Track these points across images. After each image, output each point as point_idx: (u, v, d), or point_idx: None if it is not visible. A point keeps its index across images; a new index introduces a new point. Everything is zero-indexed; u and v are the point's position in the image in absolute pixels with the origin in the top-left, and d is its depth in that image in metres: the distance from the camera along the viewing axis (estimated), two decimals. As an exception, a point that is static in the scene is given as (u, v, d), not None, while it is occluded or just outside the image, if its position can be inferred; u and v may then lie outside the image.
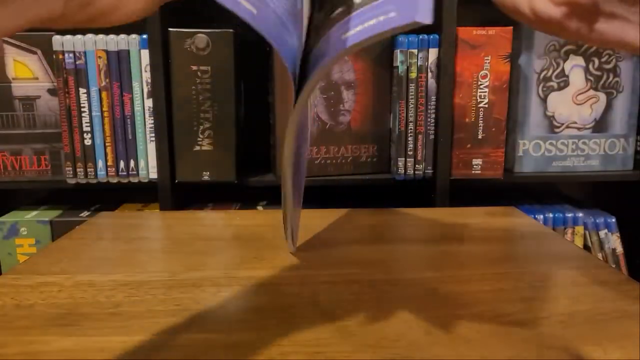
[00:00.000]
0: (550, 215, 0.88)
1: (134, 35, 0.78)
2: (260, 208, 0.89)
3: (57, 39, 0.77)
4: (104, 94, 0.79)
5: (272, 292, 0.36)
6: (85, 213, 0.85)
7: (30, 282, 0.39)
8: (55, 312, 0.33)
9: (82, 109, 0.79)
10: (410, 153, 0.85)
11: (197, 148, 0.80)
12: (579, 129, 0.88)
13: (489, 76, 0.85)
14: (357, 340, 0.29)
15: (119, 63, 0.78)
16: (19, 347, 0.29)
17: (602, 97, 0.87)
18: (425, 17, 0.24)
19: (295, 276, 0.40)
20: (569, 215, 0.89)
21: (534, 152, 0.87)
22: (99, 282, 0.38)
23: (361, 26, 0.28)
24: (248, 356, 0.27)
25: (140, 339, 0.30)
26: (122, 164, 0.81)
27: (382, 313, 0.33)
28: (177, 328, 0.31)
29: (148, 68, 0.78)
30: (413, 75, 0.88)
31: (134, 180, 0.82)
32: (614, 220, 0.93)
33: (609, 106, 0.87)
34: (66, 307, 0.34)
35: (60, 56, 0.77)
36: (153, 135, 0.80)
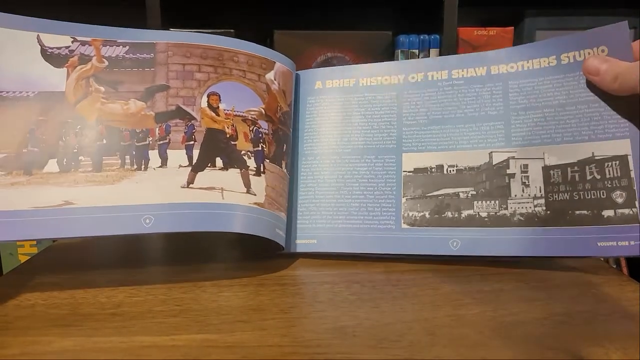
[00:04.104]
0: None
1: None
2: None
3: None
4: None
5: (272, 292, 0.36)
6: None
7: (31, 283, 0.39)
8: (56, 312, 0.33)
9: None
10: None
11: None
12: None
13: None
14: (358, 340, 0.29)
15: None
16: (19, 348, 0.29)
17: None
18: None
19: (295, 276, 0.40)
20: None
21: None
22: (100, 282, 0.38)
23: None
24: (248, 356, 0.27)
25: (141, 339, 0.30)
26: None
27: (383, 314, 0.33)
28: (178, 328, 0.31)
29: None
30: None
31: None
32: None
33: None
34: (67, 307, 0.34)
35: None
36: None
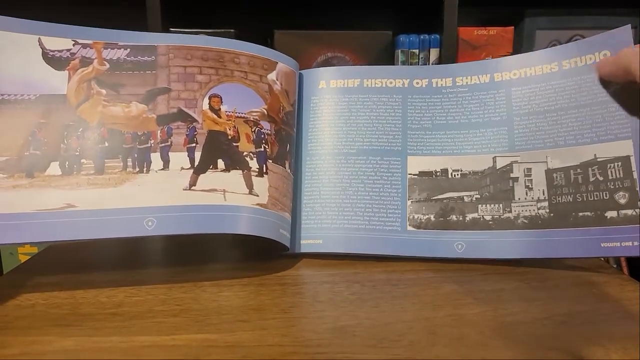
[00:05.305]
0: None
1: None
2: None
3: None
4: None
5: (272, 292, 0.36)
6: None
7: (31, 282, 0.39)
8: (56, 312, 0.33)
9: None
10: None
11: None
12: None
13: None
14: (358, 340, 0.29)
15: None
16: (20, 348, 0.29)
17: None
18: None
19: (295, 276, 0.40)
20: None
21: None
22: (100, 282, 0.38)
23: None
24: (248, 356, 0.27)
25: (142, 339, 0.30)
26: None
27: (383, 313, 0.33)
28: (178, 328, 0.31)
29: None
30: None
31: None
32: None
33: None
34: (67, 307, 0.34)
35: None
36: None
